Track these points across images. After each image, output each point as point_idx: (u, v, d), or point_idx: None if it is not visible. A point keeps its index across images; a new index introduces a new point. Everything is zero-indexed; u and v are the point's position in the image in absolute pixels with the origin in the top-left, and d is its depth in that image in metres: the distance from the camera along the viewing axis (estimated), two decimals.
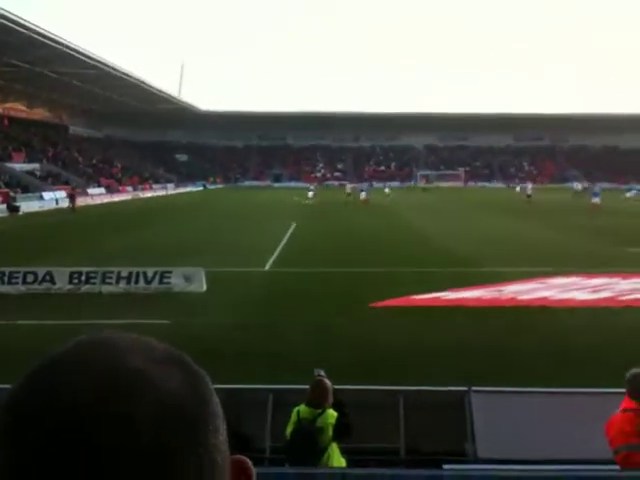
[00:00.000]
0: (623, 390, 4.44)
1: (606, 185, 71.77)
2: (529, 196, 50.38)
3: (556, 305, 13.09)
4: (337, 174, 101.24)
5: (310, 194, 53.19)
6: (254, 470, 0.68)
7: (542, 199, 51.41)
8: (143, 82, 70.40)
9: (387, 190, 57.07)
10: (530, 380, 7.81)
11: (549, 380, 7.74)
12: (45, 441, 0.55)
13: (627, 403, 4.30)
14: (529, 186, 53.27)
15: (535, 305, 13.08)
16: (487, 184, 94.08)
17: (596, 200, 40.46)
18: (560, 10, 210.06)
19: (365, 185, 56.43)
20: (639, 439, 4.04)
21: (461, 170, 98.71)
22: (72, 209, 43.58)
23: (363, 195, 48.50)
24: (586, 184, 67.57)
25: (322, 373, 5.19)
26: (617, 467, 4.16)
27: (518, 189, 68.82)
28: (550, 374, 8.50)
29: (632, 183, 74.55)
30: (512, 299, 13.68)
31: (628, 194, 51.33)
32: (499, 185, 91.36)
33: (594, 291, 14.43)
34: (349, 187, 54.06)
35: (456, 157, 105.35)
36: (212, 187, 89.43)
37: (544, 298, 13.68)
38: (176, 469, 0.57)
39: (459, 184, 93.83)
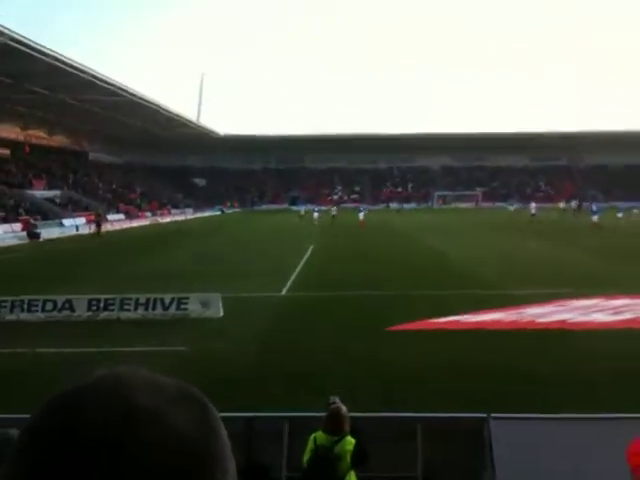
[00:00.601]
0: None
1: (615, 204, 72.37)
2: (533, 215, 51.09)
3: (577, 328, 12.89)
4: (354, 196, 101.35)
5: (315, 215, 54.87)
6: None
7: (544, 218, 52.05)
8: (162, 107, 70.86)
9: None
10: (550, 405, 7.68)
11: (569, 404, 7.60)
12: (61, 459, 0.56)
13: None
14: (533, 205, 54.12)
15: (555, 328, 12.88)
16: (505, 204, 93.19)
17: (595, 218, 42.18)
18: (560, 10, 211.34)
19: (362, 207, 58.19)
20: None
21: (479, 191, 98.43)
22: (98, 234, 44.32)
23: (361, 217, 49.93)
24: (578, 202, 69.07)
25: (337, 400, 5.13)
26: None
27: (512, 209, 70.14)
28: (571, 398, 8.35)
29: None
30: (531, 322, 13.50)
31: (619, 214, 52.30)
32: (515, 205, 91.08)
33: (615, 313, 14.21)
34: (334, 209, 56.18)
35: (474, 177, 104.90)
36: (229, 211, 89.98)
37: (564, 321, 13.50)
38: None
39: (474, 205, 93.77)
